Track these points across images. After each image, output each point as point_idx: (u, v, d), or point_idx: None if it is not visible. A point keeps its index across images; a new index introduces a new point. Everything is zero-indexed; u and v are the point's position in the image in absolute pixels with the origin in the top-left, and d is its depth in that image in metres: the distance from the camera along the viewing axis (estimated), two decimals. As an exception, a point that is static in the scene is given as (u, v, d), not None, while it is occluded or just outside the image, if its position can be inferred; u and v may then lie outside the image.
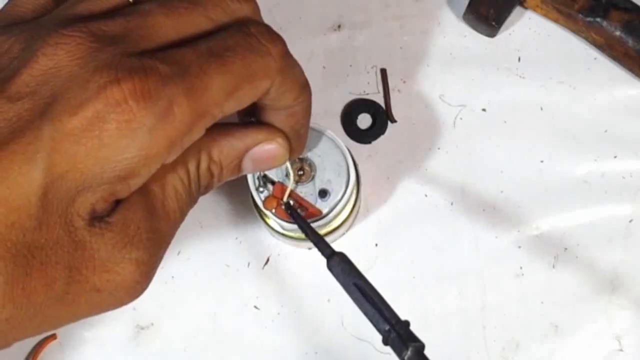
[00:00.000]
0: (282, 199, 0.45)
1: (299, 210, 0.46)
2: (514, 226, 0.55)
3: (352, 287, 0.40)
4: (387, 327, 0.38)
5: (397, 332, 0.38)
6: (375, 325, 0.39)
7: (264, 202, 0.46)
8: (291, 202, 0.46)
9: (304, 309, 0.54)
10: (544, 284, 0.54)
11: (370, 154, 0.55)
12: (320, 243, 0.43)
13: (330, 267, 0.41)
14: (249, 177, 0.46)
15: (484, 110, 0.56)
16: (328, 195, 0.46)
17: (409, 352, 0.38)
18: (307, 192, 0.46)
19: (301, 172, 0.46)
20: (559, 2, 0.55)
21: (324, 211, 0.46)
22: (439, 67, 0.56)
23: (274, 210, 0.46)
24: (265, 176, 0.46)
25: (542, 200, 0.55)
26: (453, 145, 0.56)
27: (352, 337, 0.54)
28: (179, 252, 0.55)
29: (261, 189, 0.46)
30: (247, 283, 0.55)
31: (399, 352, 0.38)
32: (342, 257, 0.41)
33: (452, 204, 0.55)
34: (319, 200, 0.46)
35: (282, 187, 0.46)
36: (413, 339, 0.38)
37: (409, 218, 0.55)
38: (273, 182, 0.46)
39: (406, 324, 0.39)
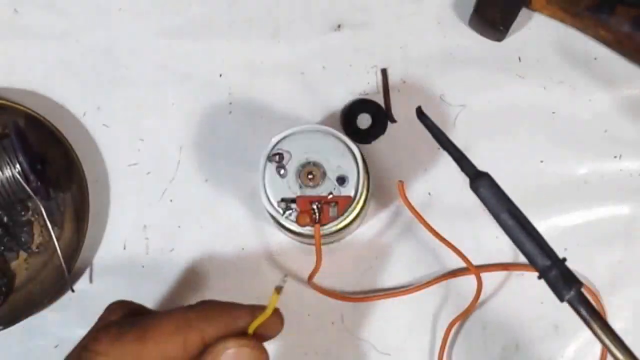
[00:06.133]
0: (313, 215, 0.46)
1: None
2: (514, 226, 0.55)
3: (505, 215, 0.38)
4: (547, 263, 0.37)
5: (559, 270, 0.37)
6: (530, 259, 0.38)
7: (297, 221, 0.46)
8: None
9: (304, 310, 0.54)
10: (544, 284, 0.54)
11: (371, 154, 0.55)
12: (464, 160, 0.40)
13: (475, 188, 0.39)
14: (272, 211, 0.47)
15: (484, 110, 0.56)
16: (347, 180, 0.47)
17: (572, 293, 0.37)
18: (325, 189, 0.47)
19: (311, 176, 0.47)
20: (565, 1, 0.54)
21: (351, 194, 0.47)
22: (439, 67, 0.56)
23: (310, 227, 0.46)
24: (283, 199, 0.47)
25: (542, 200, 0.55)
26: (453, 145, 0.55)
27: (352, 337, 0.54)
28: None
29: (288, 213, 0.46)
30: (246, 284, 0.55)
31: (559, 291, 0.37)
32: (489, 178, 0.39)
33: (452, 204, 0.55)
34: (340, 188, 0.47)
35: (303, 198, 0.46)
36: (574, 279, 0.37)
37: (409, 218, 0.55)
38: (294, 200, 0.46)
39: (564, 261, 0.37)
